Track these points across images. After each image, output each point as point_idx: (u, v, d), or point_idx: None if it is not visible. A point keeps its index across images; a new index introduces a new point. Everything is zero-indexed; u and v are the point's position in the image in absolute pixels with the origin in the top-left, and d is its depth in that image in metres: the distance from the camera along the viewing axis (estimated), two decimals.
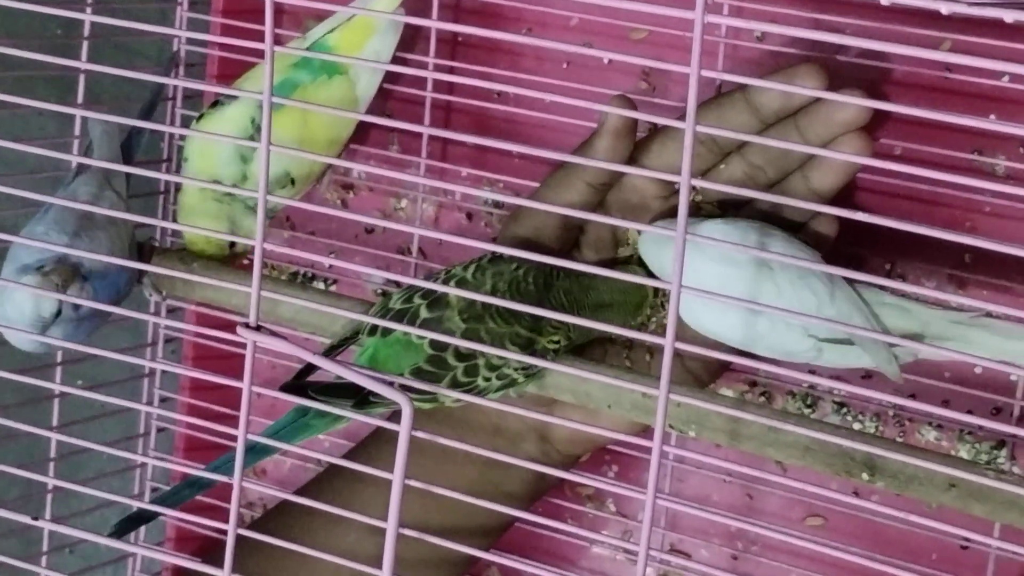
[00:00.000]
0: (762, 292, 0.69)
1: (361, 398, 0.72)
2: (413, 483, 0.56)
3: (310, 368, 0.75)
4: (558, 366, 0.63)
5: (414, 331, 0.70)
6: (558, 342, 0.73)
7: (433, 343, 0.72)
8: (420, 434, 0.57)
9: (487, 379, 0.72)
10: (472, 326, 0.72)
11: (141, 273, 0.84)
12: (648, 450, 0.55)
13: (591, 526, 0.96)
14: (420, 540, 0.59)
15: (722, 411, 0.67)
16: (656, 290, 0.79)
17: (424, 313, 0.73)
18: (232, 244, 0.87)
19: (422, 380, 0.72)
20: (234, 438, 0.59)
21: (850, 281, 0.71)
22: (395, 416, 0.56)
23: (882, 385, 0.85)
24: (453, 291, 0.69)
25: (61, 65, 0.67)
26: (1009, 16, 0.43)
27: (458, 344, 0.69)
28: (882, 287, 0.72)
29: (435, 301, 0.73)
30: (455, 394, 0.69)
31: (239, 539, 0.61)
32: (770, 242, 0.71)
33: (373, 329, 0.74)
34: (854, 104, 0.73)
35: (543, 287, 0.74)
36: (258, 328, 0.58)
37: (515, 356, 0.63)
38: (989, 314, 0.71)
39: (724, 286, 0.69)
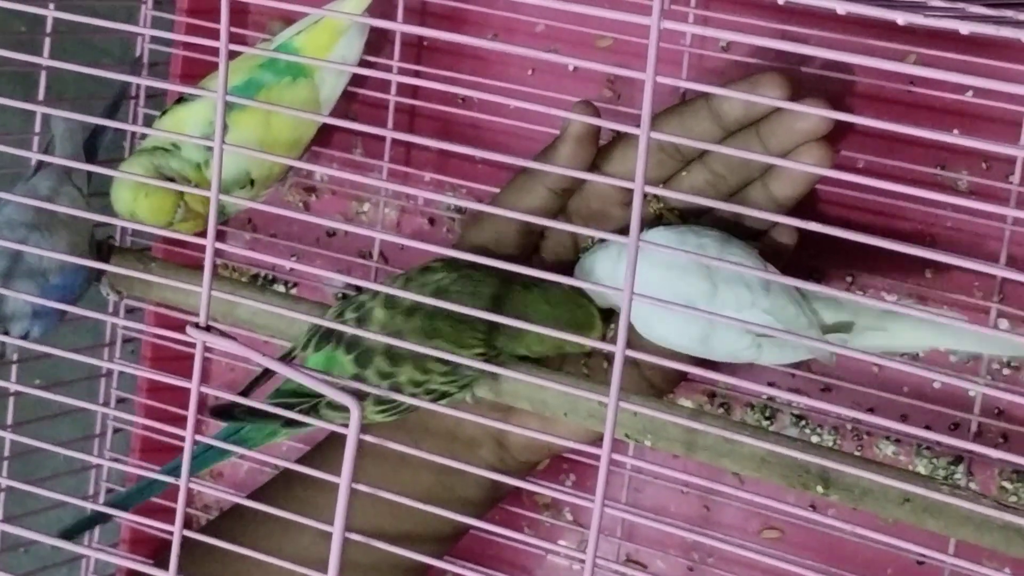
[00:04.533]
0: (708, 297, 0.70)
1: (309, 407, 0.72)
2: (361, 487, 0.56)
3: (266, 374, 0.75)
4: (512, 371, 0.63)
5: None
6: (483, 353, 0.72)
7: (357, 360, 0.72)
8: (369, 438, 0.57)
9: (413, 395, 0.71)
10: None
11: (100, 271, 0.84)
12: (611, 460, 0.54)
13: (547, 535, 0.96)
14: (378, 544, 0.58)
15: (676, 421, 0.66)
16: (606, 319, 0.77)
17: (352, 327, 0.71)
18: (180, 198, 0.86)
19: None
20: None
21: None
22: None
23: (840, 399, 0.85)
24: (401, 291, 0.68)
25: (25, 61, 0.66)
26: (964, 28, 0.43)
27: (379, 365, 0.70)
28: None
29: (361, 319, 0.73)
30: (403, 396, 0.68)
31: (195, 541, 0.61)
32: (706, 243, 0.71)
33: (306, 344, 0.74)
34: (815, 114, 0.73)
35: (469, 294, 0.73)
36: (208, 328, 0.57)
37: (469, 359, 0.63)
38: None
39: (666, 291, 0.69)
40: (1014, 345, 0.73)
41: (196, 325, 0.57)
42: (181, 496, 0.59)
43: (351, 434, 0.54)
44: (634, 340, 0.75)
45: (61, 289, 0.81)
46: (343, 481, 0.54)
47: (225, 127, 0.86)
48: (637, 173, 0.49)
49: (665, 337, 0.71)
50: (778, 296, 0.70)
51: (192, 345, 0.59)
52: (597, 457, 0.53)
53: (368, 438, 0.56)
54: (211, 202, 0.56)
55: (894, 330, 0.72)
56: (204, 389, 0.60)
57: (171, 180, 0.84)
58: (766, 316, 0.70)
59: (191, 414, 0.57)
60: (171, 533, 0.60)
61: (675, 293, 0.69)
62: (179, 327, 0.68)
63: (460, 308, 0.58)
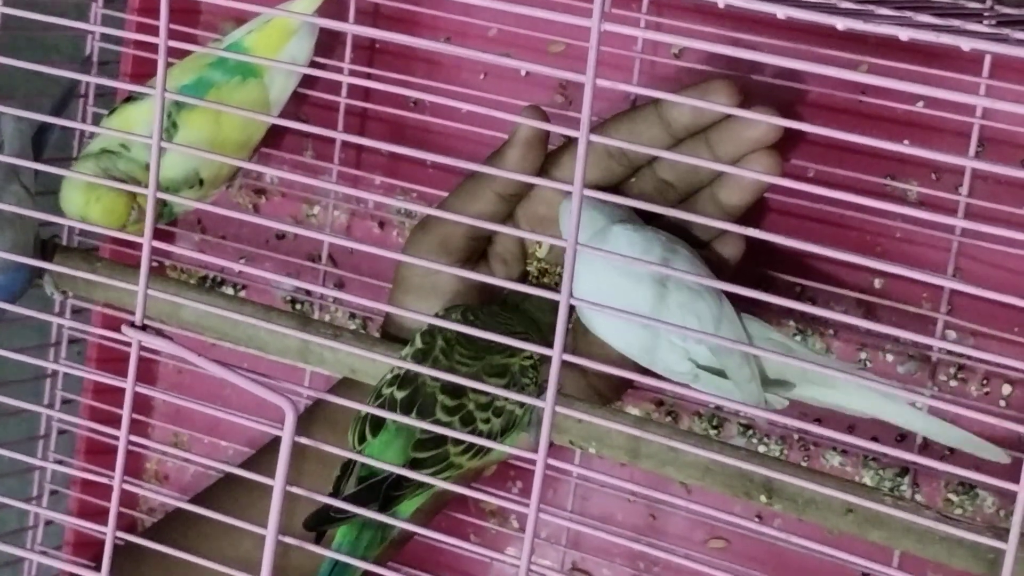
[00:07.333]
0: (655, 309, 0.69)
1: (384, 498, 0.67)
2: (295, 490, 0.56)
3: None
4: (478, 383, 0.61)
5: (399, 418, 0.66)
6: (531, 356, 0.71)
7: (419, 412, 0.69)
8: (305, 440, 0.56)
9: (486, 420, 0.70)
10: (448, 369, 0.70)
11: (42, 269, 0.83)
12: (556, 468, 0.54)
13: (493, 542, 0.95)
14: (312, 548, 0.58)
15: (620, 428, 0.66)
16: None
17: (399, 394, 0.70)
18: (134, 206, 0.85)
19: (424, 453, 0.69)
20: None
21: (737, 316, 0.71)
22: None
23: (788, 408, 0.85)
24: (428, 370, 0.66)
25: None
26: (904, 34, 0.43)
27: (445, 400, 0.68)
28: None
29: (404, 380, 0.70)
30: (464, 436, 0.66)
31: (135, 544, 0.61)
32: (673, 258, 0.71)
33: (361, 439, 0.70)
34: (764, 121, 0.73)
35: (487, 316, 0.73)
36: (144, 328, 0.57)
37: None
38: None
39: (623, 297, 0.69)
40: (958, 437, 0.72)
41: (132, 324, 0.57)
42: (114, 498, 0.58)
43: (285, 437, 0.53)
44: (582, 345, 0.75)
45: (4, 288, 0.80)
46: (277, 484, 0.54)
47: (175, 126, 0.87)
48: (576, 176, 0.48)
49: (611, 340, 0.71)
50: (726, 337, 0.70)
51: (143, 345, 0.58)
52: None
53: (304, 440, 0.56)
54: (148, 200, 0.56)
55: (841, 390, 0.72)
56: (141, 389, 0.60)
57: (121, 182, 0.84)
58: (710, 356, 0.70)
59: (126, 413, 0.57)
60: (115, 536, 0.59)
61: (631, 303, 0.69)
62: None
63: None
